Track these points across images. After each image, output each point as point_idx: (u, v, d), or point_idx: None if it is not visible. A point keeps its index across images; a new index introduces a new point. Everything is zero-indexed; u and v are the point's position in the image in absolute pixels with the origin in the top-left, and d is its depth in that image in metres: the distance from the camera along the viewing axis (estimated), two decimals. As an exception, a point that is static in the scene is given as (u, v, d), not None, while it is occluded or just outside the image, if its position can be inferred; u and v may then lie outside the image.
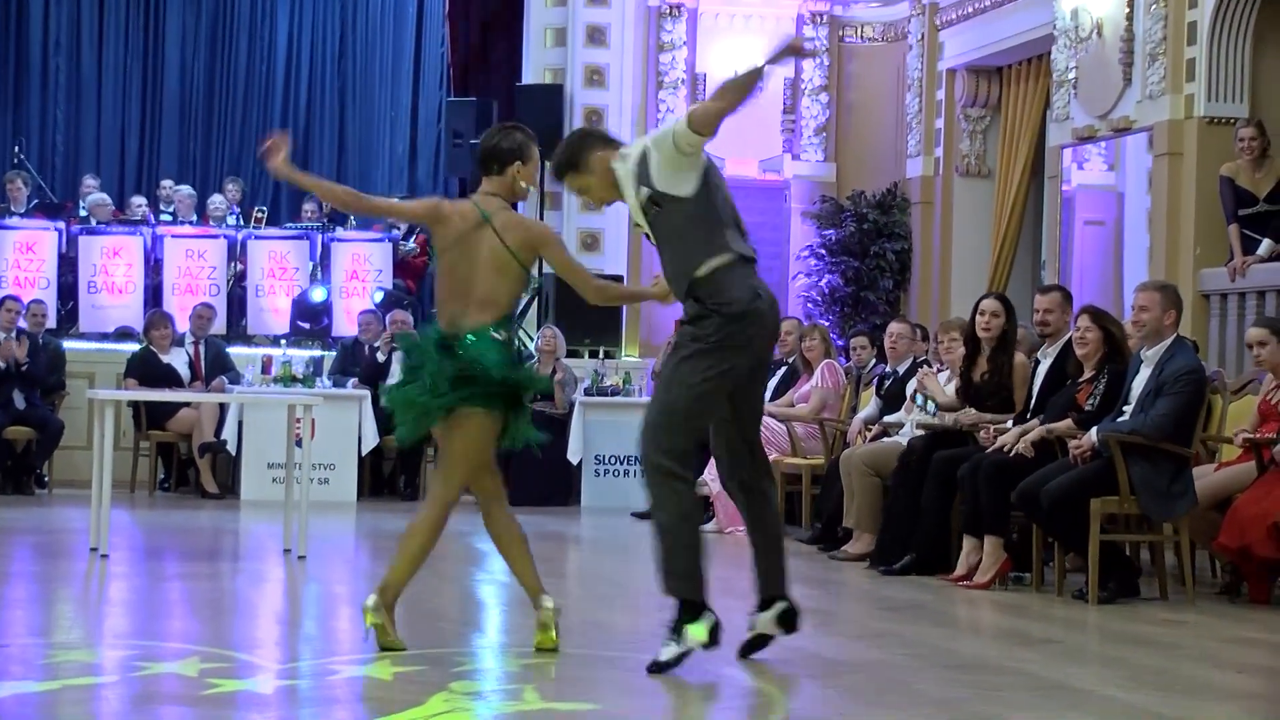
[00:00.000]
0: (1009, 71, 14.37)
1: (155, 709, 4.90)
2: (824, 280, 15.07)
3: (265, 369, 12.96)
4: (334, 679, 5.40)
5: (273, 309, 14.89)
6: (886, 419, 10.10)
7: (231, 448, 12.69)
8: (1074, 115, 12.28)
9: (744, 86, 5.47)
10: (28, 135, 17.86)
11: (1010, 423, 8.60)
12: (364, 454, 12.93)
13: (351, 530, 11.19)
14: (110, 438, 8.90)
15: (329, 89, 19.04)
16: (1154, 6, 11.36)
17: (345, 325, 14.58)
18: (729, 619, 5.76)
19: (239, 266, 15.07)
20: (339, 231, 15.62)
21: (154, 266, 14.86)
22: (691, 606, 5.60)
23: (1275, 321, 8.56)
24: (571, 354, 13.57)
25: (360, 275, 15.06)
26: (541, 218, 14.49)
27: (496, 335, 5.82)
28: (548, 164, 6.09)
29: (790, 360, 11.80)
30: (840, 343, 13.27)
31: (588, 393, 13.14)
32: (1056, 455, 8.11)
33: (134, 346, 13.48)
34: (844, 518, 9.69)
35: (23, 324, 12.82)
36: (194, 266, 14.80)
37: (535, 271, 6.05)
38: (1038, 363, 8.59)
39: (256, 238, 15.24)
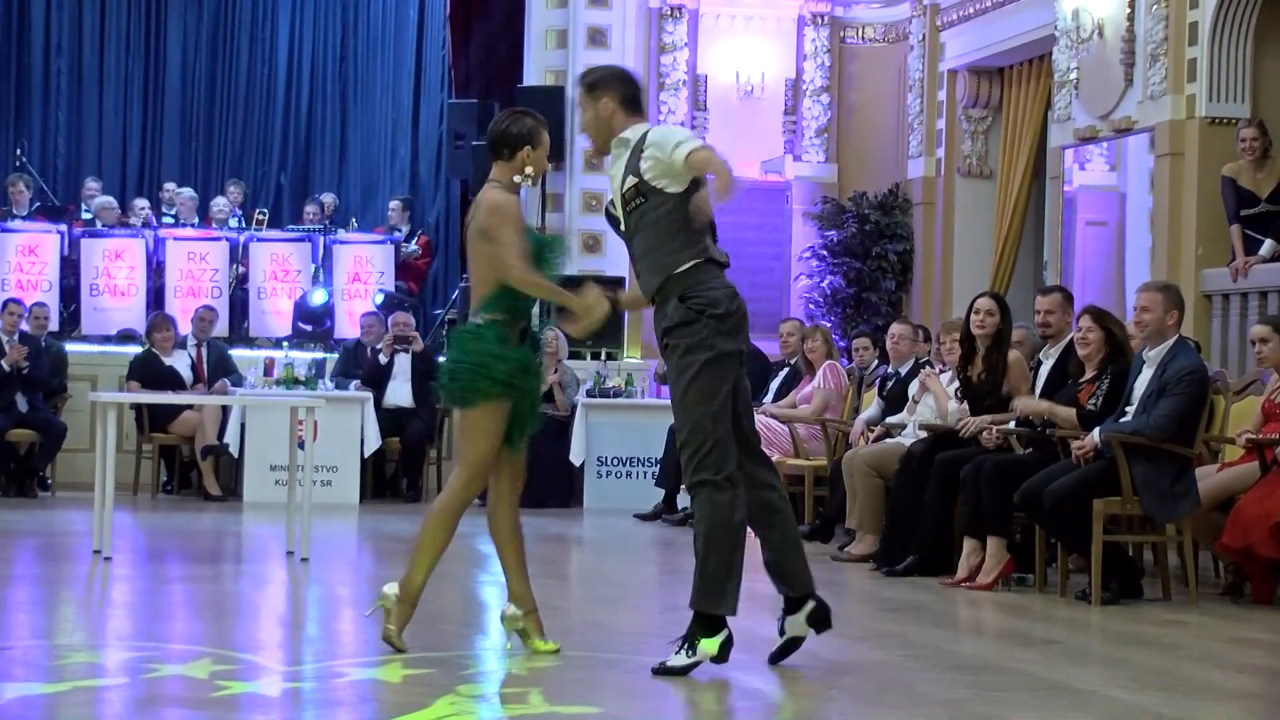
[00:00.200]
0: (1010, 72, 14.36)
1: (162, 711, 4.90)
2: (826, 281, 15.07)
3: (267, 371, 12.98)
4: (340, 681, 5.41)
5: (275, 311, 14.90)
6: (889, 420, 10.10)
7: (234, 450, 12.71)
8: (1075, 116, 12.28)
9: (729, 178, 5.52)
10: (29, 138, 17.86)
11: (1013, 423, 8.63)
12: (366, 456, 12.94)
13: (354, 532, 11.20)
14: (113, 440, 8.91)
15: (330, 91, 19.03)
16: (1155, 7, 11.36)
17: (347, 327, 14.59)
18: (734, 623, 5.72)
19: (241, 269, 15.08)
20: (341, 234, 15.63)
21: (156, 269, 14.87)
22: (709, 621, 5.60)
23: (1279, 319, 8.56)
24: (574, 355, 13.58)
25: (362, 277, 15.07)
26: (543, 219, 14.49)
27: (475, 322, 5.89)
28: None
29: (792, 361, 11.80)
30: (842, 344, 13.27)
31: (590, 394, 13.15)
32: (1059, 456, 8.11)
33: (136, 349, 13.49)
34: (846, 519, 9.70)
35: (25, 327, 12.84)
36: (196, 269, 14.81)
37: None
38: (1040, 364, 8.60)
39: (258, 240, 15.25)
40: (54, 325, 13.86)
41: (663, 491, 12.15)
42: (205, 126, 18.75)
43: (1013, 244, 14.12)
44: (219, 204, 15.85)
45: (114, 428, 8.88)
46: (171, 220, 15.74)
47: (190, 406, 12.70)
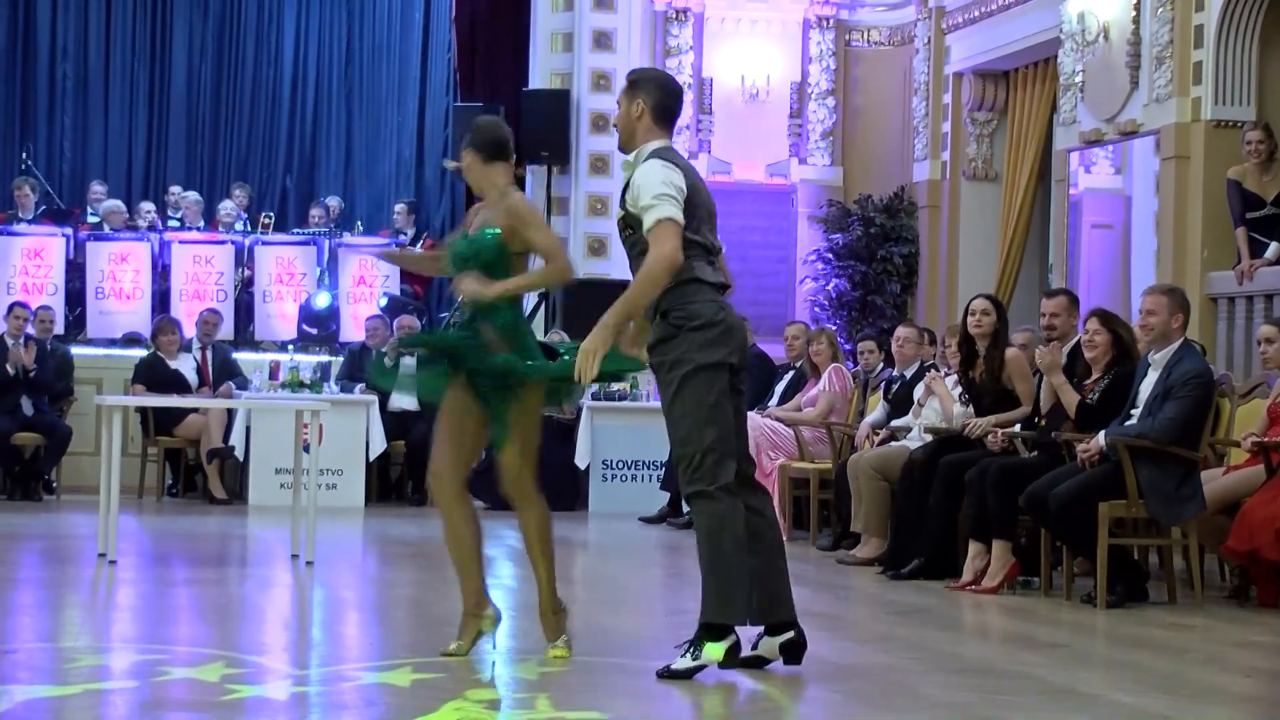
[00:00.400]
0: (1016, 75, 14.36)
1: (167, 715, 4.91)
2: (831, 284, 15.07)
3: (273, 374, 12.97)
4: (348, 685, 5.41)
5: (280, 315, 14.90)
6: (894, 423, 10.10)
7: (239, 453, 12.71)
8: (1081, 119, 12.28)
9: (641, 300, 5.56)
10: (35, 141, 17.91)
11: (1019, 426, 8.63)
12: (372, 459, 12.94)
13: (359, 536, 11.19)
14: (118, 443, 8.91)
15: (336, 94, 19.05)
16: (1160, 9, 11.36)
17: (353, 330, 14.59)
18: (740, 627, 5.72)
19: (246, 272, 15.08)
20: (346, 237, 15.63)
21: (161, 272, 14.88)
22: (716, 626, 5.59)
23: (1284, 321, 8.57)
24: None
25: (368, 281, 15.07)
26: (549, 222, 14.47)
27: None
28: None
29: (798, 364, 11.80)
30: (847, 347, 13.26)
31: (595, 398, 13.14)
32: (1064, 459, 8.11)
33: (141, 352, 13.50)
34: (852, 522, 9.69)
35: (31, 330, 12.85)
36: (201, 272, 14.82)
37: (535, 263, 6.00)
38: (1045, 367, 8.59)
39: (264, 244, 15.25)
40: (59, 328, 13.87)
41: (668, 495, 12.15)
42: (211, 130, 18.77)
43: (1018, 247, 14.12)
44: (224, 207, 15.86)
45: (119, 431, 8.88)
46: (177, 224, 15.75)
47: (195, 410, 12.70)
